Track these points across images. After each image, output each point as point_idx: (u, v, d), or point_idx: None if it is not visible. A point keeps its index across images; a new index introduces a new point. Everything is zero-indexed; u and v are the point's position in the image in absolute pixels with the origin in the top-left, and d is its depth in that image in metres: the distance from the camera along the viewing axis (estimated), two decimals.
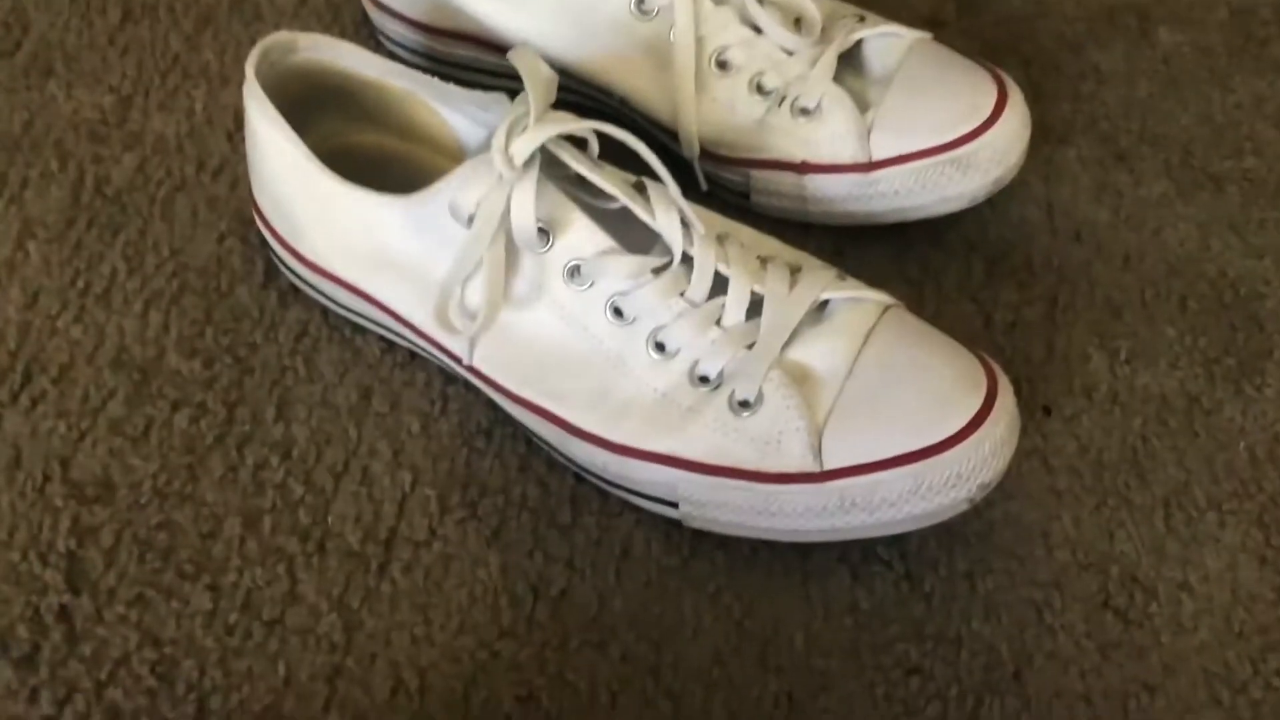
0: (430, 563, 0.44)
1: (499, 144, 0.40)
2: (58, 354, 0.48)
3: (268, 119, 0.45)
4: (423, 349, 0.47)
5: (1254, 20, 0.63)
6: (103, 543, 0.43)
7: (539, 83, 0.41)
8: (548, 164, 0.42)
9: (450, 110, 0.48)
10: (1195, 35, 0.62)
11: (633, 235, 0.44)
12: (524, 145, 0.40)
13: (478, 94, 0.46)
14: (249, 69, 0.45)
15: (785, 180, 0.51)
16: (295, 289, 0.50)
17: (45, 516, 0.44)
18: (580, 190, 0.44)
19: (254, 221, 0.51)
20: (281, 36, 0.46)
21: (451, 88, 0.47)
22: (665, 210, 0.43)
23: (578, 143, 0.43)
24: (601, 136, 0.43)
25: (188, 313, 0.49)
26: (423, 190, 0.43)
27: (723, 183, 0.53)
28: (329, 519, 0.44)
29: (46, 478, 0.44)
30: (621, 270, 0.42)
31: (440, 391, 0.48)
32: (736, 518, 0.43)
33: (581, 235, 0.42)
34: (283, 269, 0.49)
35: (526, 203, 0.41)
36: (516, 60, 0.42)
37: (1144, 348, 0.51)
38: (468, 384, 0.47)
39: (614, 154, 0.44)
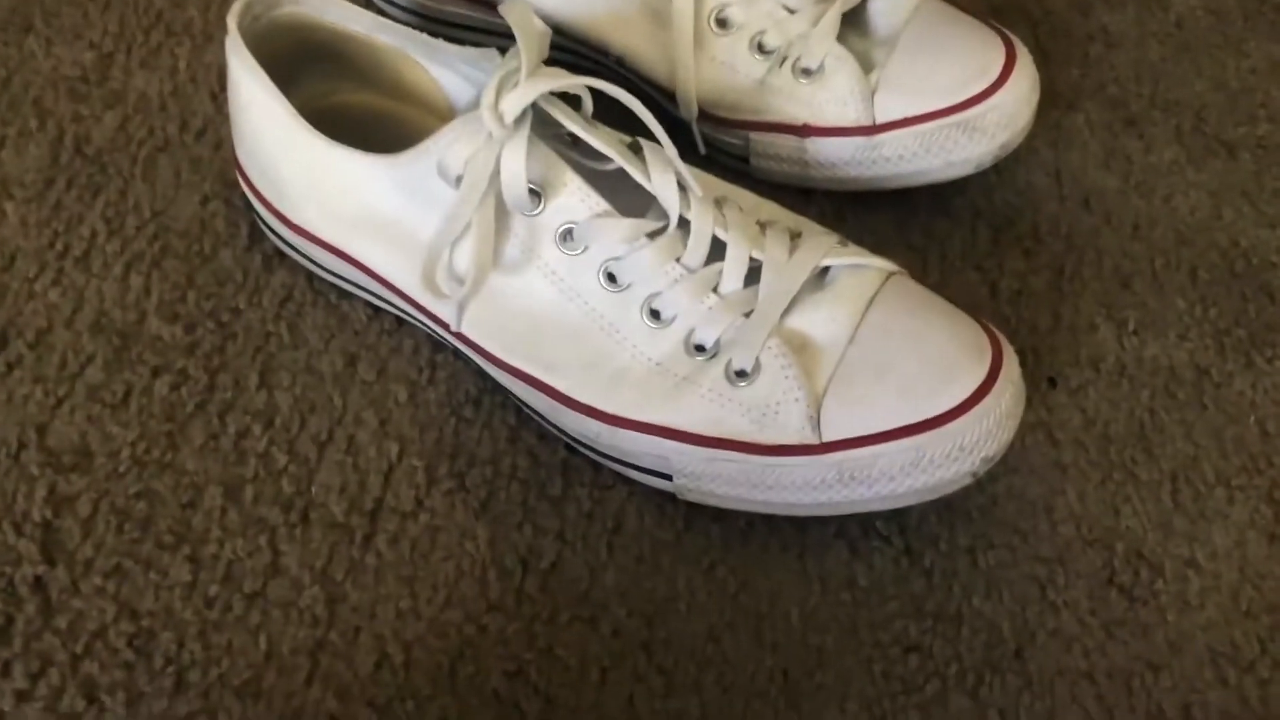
0: (416, 535, 0.42)
1: (488, 100, 0.39)
2: (35, 318, 0.46)
3: (251, 75, 0.43)
4: (410, 315, 0.46)
5: None
6: (80, 512, 0.42)
7: (531, 37, 0.40)
8: (539, 122, 0.41)
9: (441, 68, 0.47)
10: None
11: (628, 198, 0.42)
12: (514, 101, 0.39)
13: (469, 50, 0.44)
14: (231, 23, 0.44)
15: (786, 143, 0.50)
16: (280, 253, 0.48)
17: (20, 485, 0.42)
18: (573, 150, 0.42)
19: (238, 183, 0.50)
20: None
21: (442, 44, 0.45)
22: (662, 172, 0.41)
23: (571, 101, 0.42)
24: (596, 95, 0.41)
25: (169, 276, 0.48)
26: (410, 150, 0.41)
27: (722, 145, 0.51)
28: (313, 489, 0.43)
29: (22, 445, 0.43)
30: (616, 234, 0.41)
31: (428, 359, 0.46)
32: (732, 490, 0.41)
33: (574, 197, 0.41)
34: (267, 232, 0.48)
35: (517, 162, 0.39)
36: (508, 13, 0.40)
37: (1153, 318, 0.49)
38: (456, 352, 0.46)
39: (609, 113, 0.43)
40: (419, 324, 0.46)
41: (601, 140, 0.41)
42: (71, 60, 0.54)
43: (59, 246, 0.48)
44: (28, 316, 0.46)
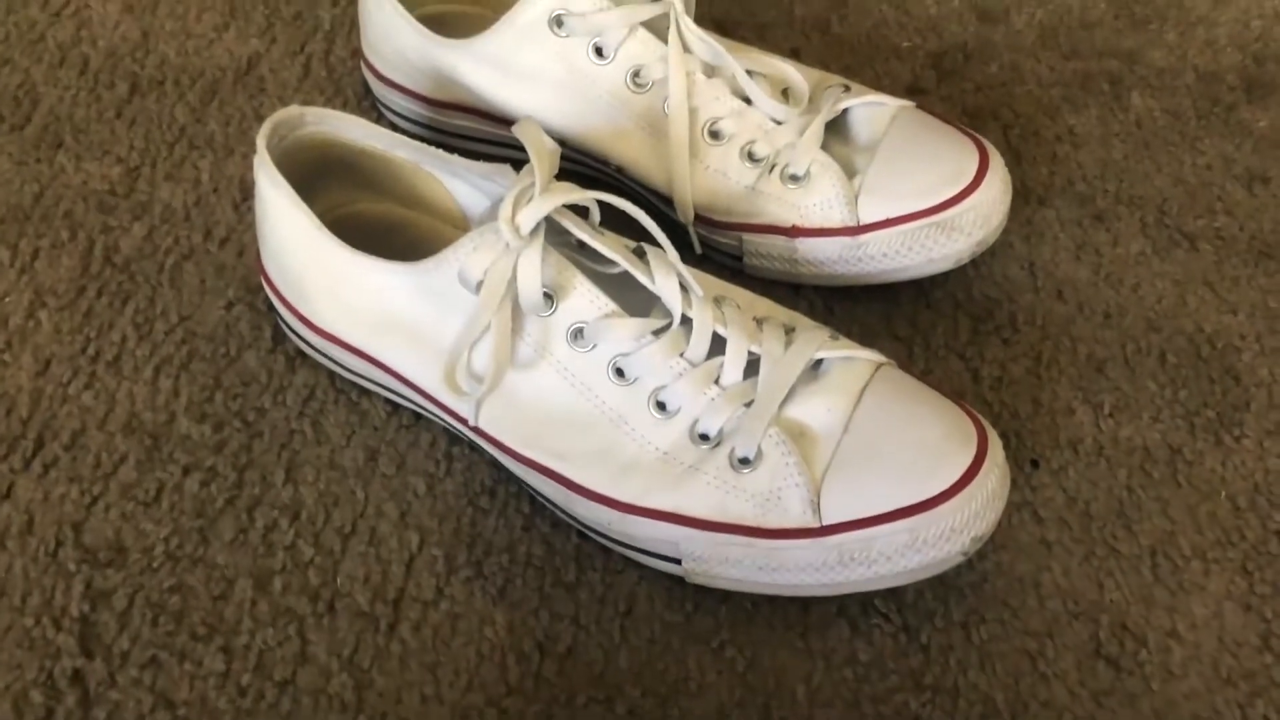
0: (438, 622, 0.44)
1: (506, 214, 0.42)
2: (69, 420, 0.49)
3: (278, 190, 0.46)
4: (428, 410, 0.48)
5: (1220, 85, 0.66)
6: (116, 606, 0.44)
7: (543, 155, 0.43)
8: (551, 230, 0.44)
9: (454, 180, 0.50)
10: (1165, 100, 0.65)
11: (632, 298, 0.45)
12: (530, 215, 0.42)
13: (483, 164, 0.48)
14: (260, 143, 0.47)
15: (777, 243, 0.53)
16: (302, 354, 0.51)
17: (58, 581, 0.44)
18: (582, 255, 0.45)
19: (261, 288, 0.53)
20: (290, 111, 0.48)
21: (456, 158, 0.48)
22: (665, 274, 0.44)
23: (579, 210, 0.45)
24: (602, 203, 0.44)
25: (197, 378, 0.50)
26: (431, 258, 0.44)
27: (716, 246, 0.55)
28: (338, 580, 0.45)
29: (59, 543, 0.45)
30: (623, 332, 0.44)
31: (445, 452, 0.49)
32: (738, 573, 0.44)
33: (584, 299, 0.44)
34: (290, 334, 0.51)
35: (533, 269, 0.42)
36: (521, 134, 0.44)
37: (1126, 401, 0.52)
38: (472, 444, 0.48)
39: (614, 219, 0.46)
40: (436, 418, 0.49)
41: (608, 247, 0.44)
42: (100, 175, 0.57)
43: (91, 352, 0.51)
44: (62, 419, 0.49)
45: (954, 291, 0.56)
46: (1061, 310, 0.55)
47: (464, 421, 0.47)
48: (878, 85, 0.63)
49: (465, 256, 0.43)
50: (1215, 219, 0.59)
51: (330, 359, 0.50)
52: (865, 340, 0.51)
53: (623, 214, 0.44)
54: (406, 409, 0.50)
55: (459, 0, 0.61)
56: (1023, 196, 0.59)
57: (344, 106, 0.61)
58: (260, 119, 0.60)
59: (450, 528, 0.47)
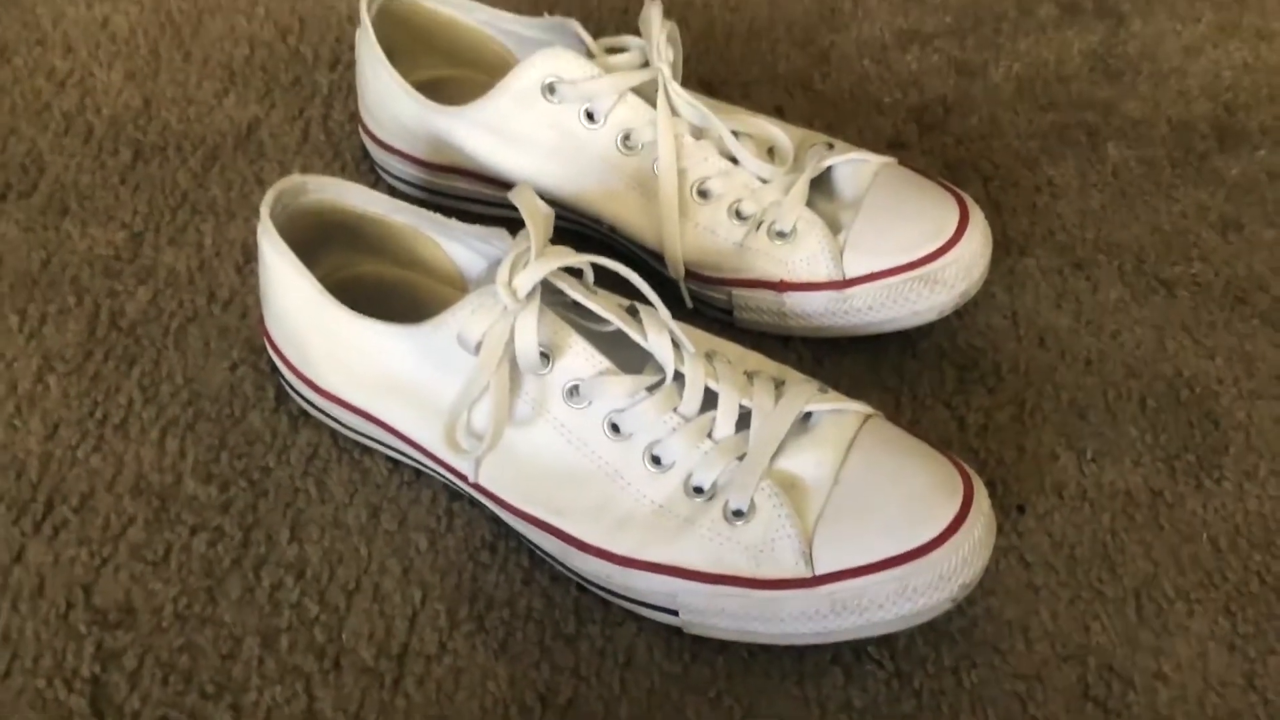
0: (442, 676, 0.45)
1: (503, 278, 0.43)
2: (78, 483, 0.50)
3: (281, 257, 0.48)
4: (428, 468, 0.50)
5: (1193, 135, 0.68)
6: (126, 666, 0.45)
7: (538, 220, 0.44)
8: (546, 291, 0.45)
9: (451, 242, 0.51)
10: (1140, 150, 0.67)
11: (626, 355, 0.47)
12: (527, 278, 0.44)
13: (479, 228, 0.49)
14: (264, 210, 0.48)
15: (765, 298, 0.54)
16: (305, 413, 0.52)
17: (69, 643, 0.45)
18: (576, 314, 0.47)
19: (264, 349, 0.54)
20: (293, 180, 0.50)
21: (453, 222, 0.50)
22: (657, 332, 0.46)
23: (573, 271, 0.46)
24: (595, 263, 0.46)
25: (203, 439, 0.51)
26: (430, 321, 0.46)
27: (707, 300, 0.56)
28: (343, 636, 0.46)
29: (70, 604, 0.46)
30: (618, 389, 0.45)
31: (445, 508, 0.50)
32: (734, 624, 0.45)
33: (580, 357, 0.45)
34: (293, 395, 0.52)
35: (530, 330, 0.44)
36: (517, 200, 0.45)
37: (1109, 446, 0.54)
38: (472, 500, 0.50)
39: (606, 279, 0.47)
40: (436, 475, 0.50)
41: (602, 306, 0.46)
42: (105, 240, 0.59)
43: (99, 415, 0.52)
44: (71, 482, 0.50)
45: (939, 341, 0.57)
46: (1044, 358, 0.57)
47: (464, 478, 0.48)
48: (860, 140, 0.65)
49: (464, 319, 0.45)
50: (1191, 265, 0.61)
51: (332, 418, 0.51)
52: (853, 391, 0.52)
53: (615, 272, 0.46)
54: (407, 466, 0.51)
55: (453, 66, 0.62)
56: (1004, 247, 0.61)
57: (343, 170, 0.63)
58: (261, 183, 0.62)
59: (452, 583, 0.48)
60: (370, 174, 0.62)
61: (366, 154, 0.63)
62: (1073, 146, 0.67)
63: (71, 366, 0.54)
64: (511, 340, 0.44)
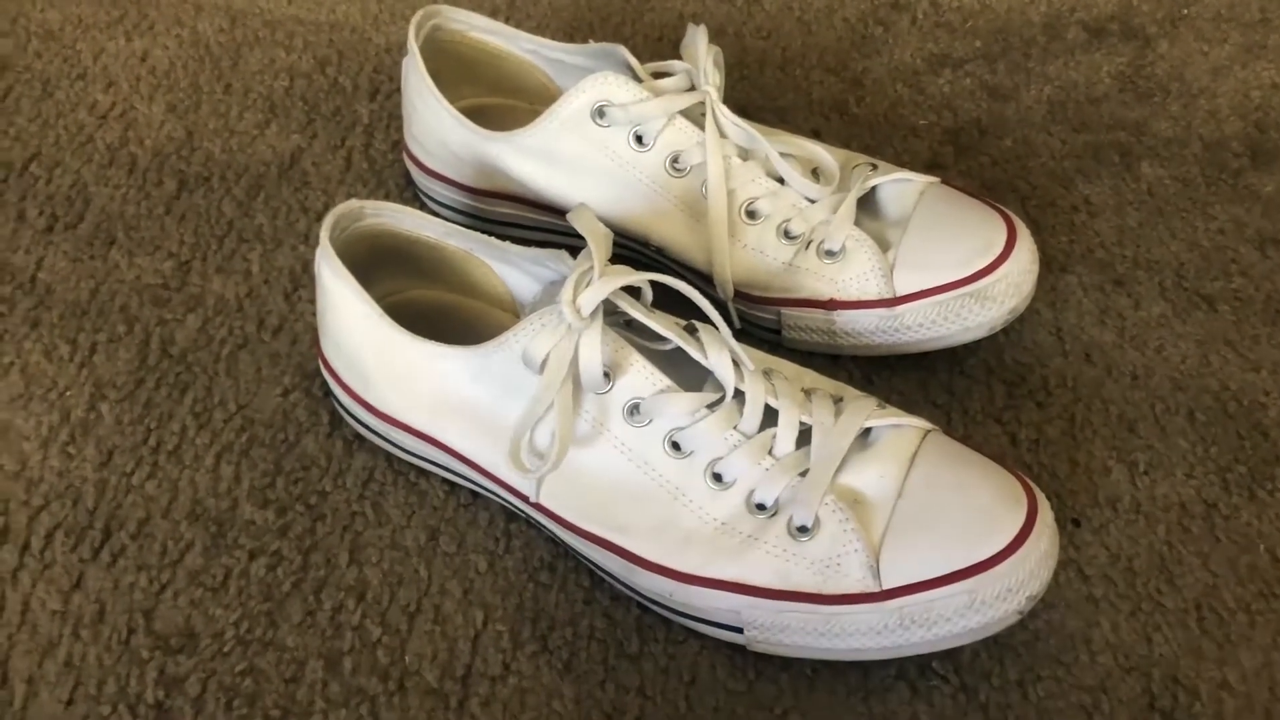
0: (507, 697, 0.45)
1: (567, 297, 0.44)
2: (135, 510, 0.50)
3: (341, 281, 0.48)
4: (486, 489, 0.50)
5: (1226, 152, 0.68)
6: (189, 692, 0.45)
7: (599, 240, 0.45)
8: (606, 310, 0.46)
9: (505, 266, 0.52)
10: (1174, 168, 0.67)
11: (683, 372, 0.47)
12: (591, 297, 0.44)
13: (534, 250, 0.50)
14: (323, 235, 0.49)
15: (815, 317, 0.55)
16: (359, 437, 0.52)
17: (132, 668, 0.45)
18: (635, 334, 0.47)
19: (316, 374, 0.54)
20: (351, 205, 0.50)
21: (508, 245, 0.50)
22: (717, 350, 0.46)
23: (632, 291, 0.47)
24: (652, 282, 0.46)
25: (258, 464, 0.51)
26: (492, 341, 0.46)
27: (756, 320, 0.56)
28: (406, 658, 0.46)
29: (131, 630, 0.46)
30: (678, 407, 0.45)
31: (503, 529, 0.50)
32: (800, 640, 0.45)
33: (640, 376, 0.45)
34: (349, 418, 0.52)
35: (593, 349, 0.44)
36: (576, 221, 0.46)
37: (1160, 459, 0.54)
38: (529, 520, 0.50)
39: (659, 300, 0.48)
40: (493, 496, 0.50)
41: (663, 325, 0.46)
42: (153, 269, 0.59)
43: (152, 442, 0.52)
44: (128, 509, 0.50)
45: (986, 359, 0.57)
46: (1091, 373, 0.57)
47: (523, 498, 0.48)
48: (898, 162, 0.65)
49: (529, 339, 0.45)
50: (1231, 281, 0.62)
51: (390, 441, 0.51)
52: (905, 407, 0.53)
53: (665, 292, 0.46)
54: (464, 488, 0.51)
55: (495, 94, 0.63)
56: (1045, 264, 0.61)
57: (386, 197, 0.63)
58: (306, 211, 0.62)
59: (513, 603, 0.48)
60: (414, 201, 0.63)
61: (410, 181, 0.63)
62: (1107, 166, 0.67)
63: (124, 394, 0.54)
64: (575, 359, 0.44)
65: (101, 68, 0.69)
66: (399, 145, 0.65)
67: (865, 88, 0.72)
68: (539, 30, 0.73)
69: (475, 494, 0.51)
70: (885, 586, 0.43)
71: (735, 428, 0.45)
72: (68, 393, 0.54)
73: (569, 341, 0.44)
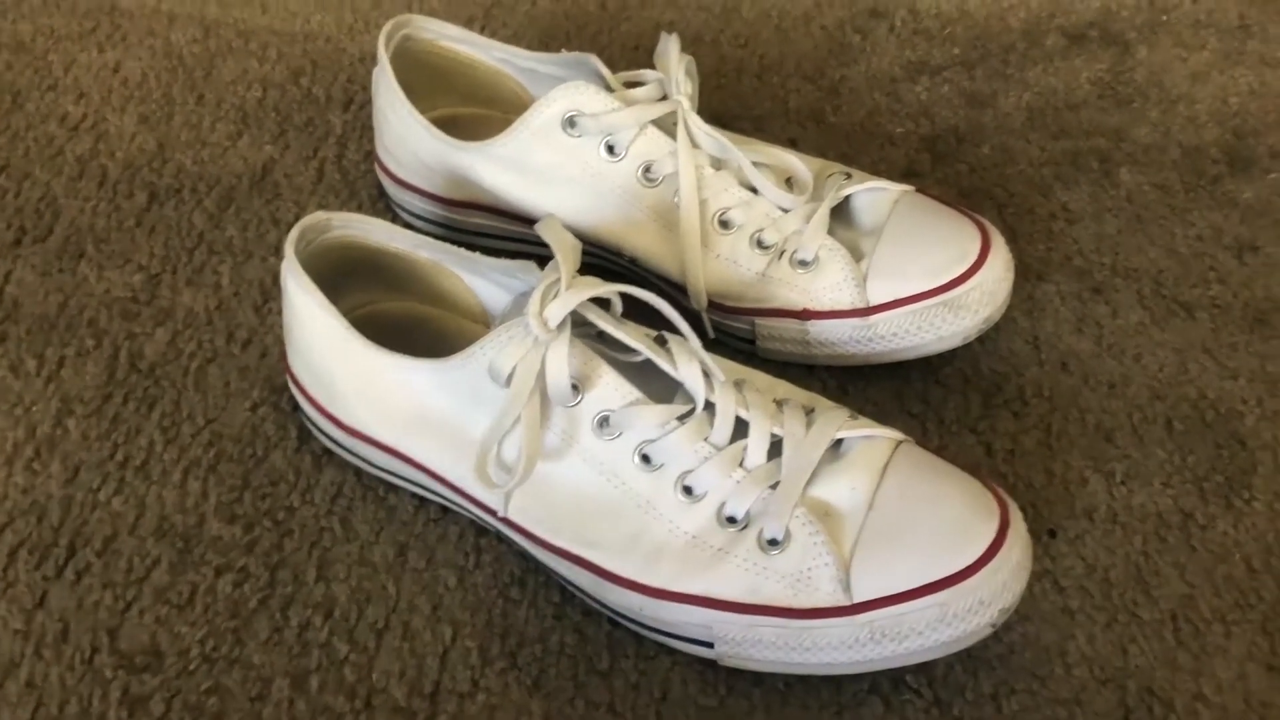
0: (475, 714, 0.45)
1: (534, 309, 0.43)
2: (101, 526, 0.49)
3: (307, 294, 0.48)
4: (455, 503, 0.49)
5: (1204, 159, 0.68)
6: (153, 711, 0.44)
7: (567, 251, 0.44)
8: (574, 322, 0.45)
9: (475, 277, 0.51)
10: (1153, 175, 0.67)
11: (654, 385, 0.46)
12: (558, 309, 0.43)
13: (505, 261, 0.49)
14: (288, 248, 0.48)
15: (789, 327, 0.54)
16: (329, 452, 0.52)
17: (95, 688, 0.44)
18: (604, 345, 0.47)
19: (285, 388, 0.54)
20: (317, 217, 0.50)
21: (478, 256, 0.50)
22: (687, 361, 0.46)
23: (601, 302, 0.46)
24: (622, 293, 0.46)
25: (225, 480, 0.51)
26: (459, 354, 0.45)
27: (729, 330, 0.56)
28: (374, 676, 0.45)
29: (95, 649, 0.45)
30: (648, 419, 0.45)
31: (473, 544, 0.50)
32: (771, 654, 0.44)
33: (609, 388, 0.45)
34: (317, 433, 0.51)
35: (560, 361, 0.44)
36: (544, 232, 0.45)
37: (1137, 469, 0.54)
38: (499, 535, 0.49)
39: (631, 311, 0.47)
40: (463, 511, 0.49)
41: (632, 337, 0.45)
42: (122, 282, 0.58)
43: (119, 457, 0.52)
44: (94, 525, 0.49)
45: (962, 368, 0.57)
46: (1067, 382, 0.57)
47: (492, 512, 0.47)
48: (874, 171, 0.65)
49: (495, 351, 0.44)
50: (1209, 288, 0.61)
51: (358, 456, 0.50)
52: (879, 419, 0.52)
53: (638, 303, 0.46)
54: (433, 503, 0.50)
55: (467, 104, 0.63)
56: (1022, 272, 0.61)
57: (359, 209, 0.63)
58: (277, 223, 0.62)
59: (483, 619, 0.47)
60: (386, 212, 0.62)
61: (382, 192, 0.63)
62: (1085, 173, 0.67)
63: (91, 409, 0.53)
64: (543, 372, 0.44)
65: (73, 79, 0.69)
66: (372, 156, 0.65)
67: (842, 96, 0.71)
68: (515, 39, 0.73)
69: (445, 509, 0.50)
70: (856, 600, 0.43)
71: (706, 440, 0.45)
72: (34, 408, 0.53)
73: (536, 354, 0.44)
